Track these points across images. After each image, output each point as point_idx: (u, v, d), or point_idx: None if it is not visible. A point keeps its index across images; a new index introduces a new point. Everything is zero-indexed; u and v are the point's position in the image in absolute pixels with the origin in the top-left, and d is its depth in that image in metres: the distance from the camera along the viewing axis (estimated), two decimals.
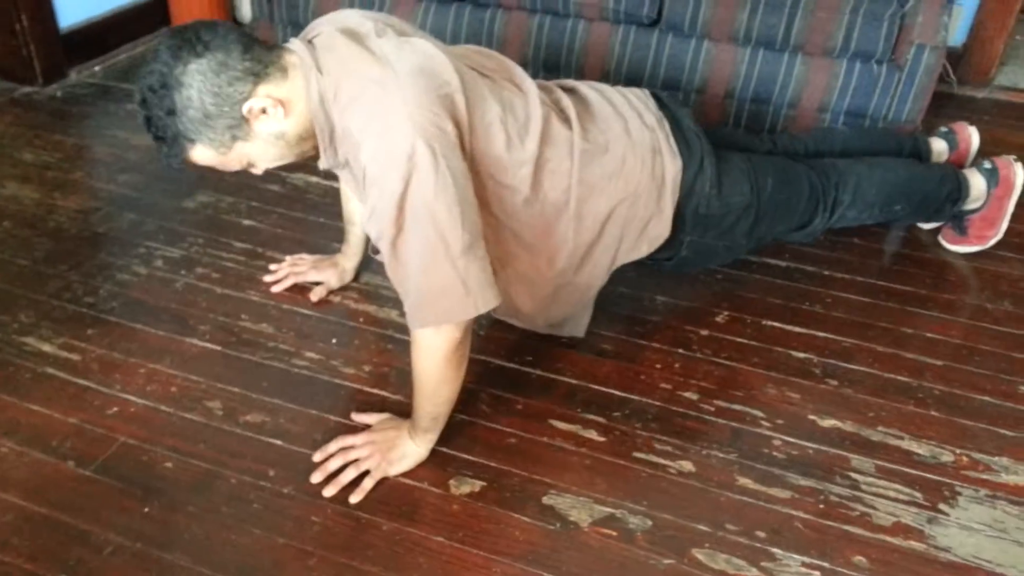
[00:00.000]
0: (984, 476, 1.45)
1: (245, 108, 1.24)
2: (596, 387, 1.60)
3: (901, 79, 2.17)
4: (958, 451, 1.50)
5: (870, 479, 1.44)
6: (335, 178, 1.84)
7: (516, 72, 1.49)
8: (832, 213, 1.77)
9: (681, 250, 1.63)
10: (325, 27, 1.36)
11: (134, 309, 1.77)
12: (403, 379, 1.55)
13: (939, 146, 2.09)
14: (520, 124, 1.39)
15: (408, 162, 1.20)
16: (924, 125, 2.27)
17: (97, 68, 2.88)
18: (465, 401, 1.51)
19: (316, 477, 1.40)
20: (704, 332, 1.75)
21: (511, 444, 1.48)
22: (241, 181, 2.11)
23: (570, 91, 1.60)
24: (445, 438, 1.44)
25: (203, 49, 1.20)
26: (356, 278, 1.85)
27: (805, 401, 1.59)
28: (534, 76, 2.45)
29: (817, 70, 2.22)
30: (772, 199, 1.66)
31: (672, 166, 1.54)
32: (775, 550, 1.31)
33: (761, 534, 1.34)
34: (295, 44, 1.32)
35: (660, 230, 1.55)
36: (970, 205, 1.95)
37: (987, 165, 1.94)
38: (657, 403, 1.58)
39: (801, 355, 1.70)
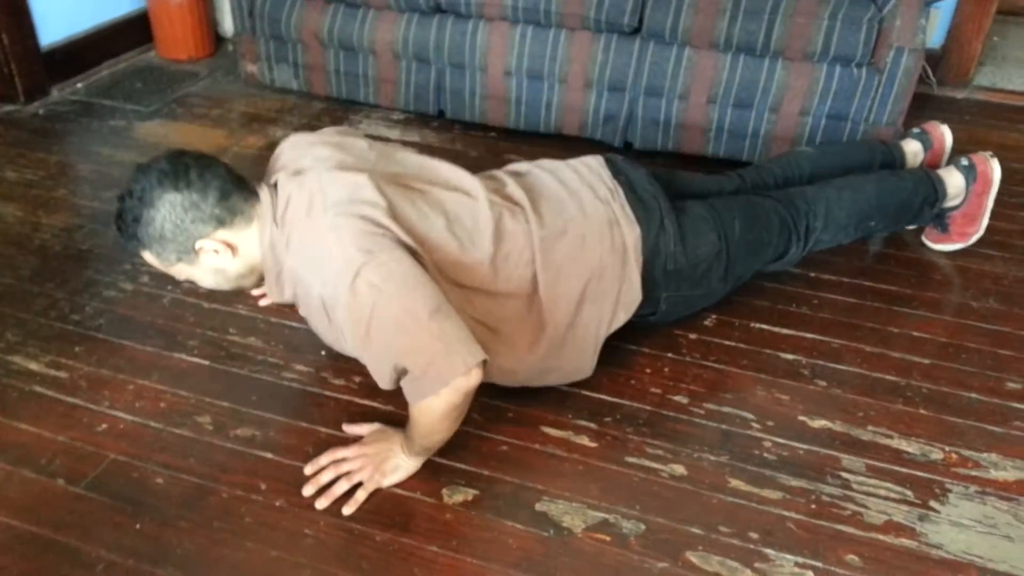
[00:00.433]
0: (973, 473, 1.46)
1: (197, 244, 1.35)
2: (586, 393, 1.60)
3: (881, 82, 2.20)
4: (947, 449, 1.51)
5: (861, 478, 1.45)
6: None
7: (464, 180, 1.51)
8: (806, 241, 1.78)
9: (660, 305, 1.65)
10: (280, 175, 1.42)
11: (121, 326, 1.76)
12: (394, 390, 1.55)
13: (913, 147, 2.10)
14: (469, 230, 1.44)
15: (351, 271, 1.27)
16: (905, 127, 2.29)
17: (79, 85, 2.87)
18: None
19: (308, 490, 1.39)
20: (693, 336, 1.76)
21: (503, 452, 1.48)
22: None
23: (521, 176, 1.62)
24: (438, 448, 1.44)
25: (184, 185, 1.31)
26: None
27: (795, 402, 1.60)
28: (517, 85, 2.48)
29: (798, 75, 2.24)
30: (742, 240, 1.67)
31: (631, 234, 1.55)
32: (768, 551, 1.32)
33: (754, 535, 1.34)
34: (264, 195, 1.40)
35: (632, 296, 1.57)
36: (950, 203, 1.97)
37: (964, 162, 1.96)
38: (648, 407, 1.58)
39: (790, 357, 1.71)
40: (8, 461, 1.44)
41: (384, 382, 1.33)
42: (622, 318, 1.57)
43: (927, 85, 2.88)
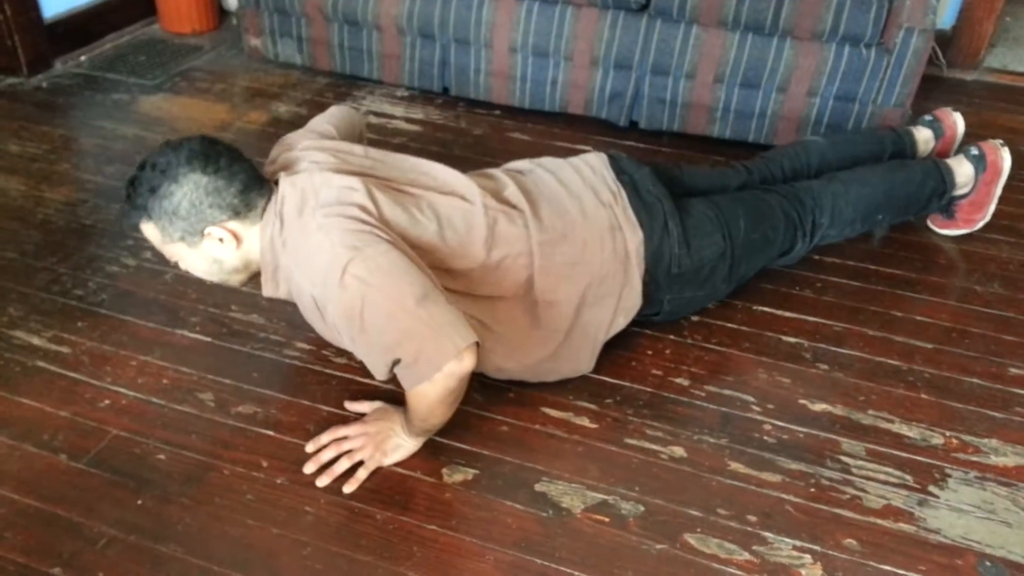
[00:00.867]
0: (974, 458, 1.46)
1: (207, 229, 1.35)
2: (587, 374, 1.60)
3: (890, 63, 2.17)
4: (948, 434, 1.51)
5: (861, 462, 1.45)
6: None
7: (460, 184, 1.50)
8: (812, 237, 1.77)
9: (664, 307, 1.64)
10: (281, 174, 1.42)
11: (123, 301, 1.76)
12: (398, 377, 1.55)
13: (924, 134, 2.08)
14: (461, 235, 1.43)
15: (339, 267, 1.27)
16: (913, 109, 2.27)
17: (83, 58, 2.86)
18: None
19: (309, 467, 1.40)
20: (695, 318, 1.75)
21: (503, 432, 1.49)
22: None
23: (522, 176, 1.60)
24: (438, 429, 1.44)
25: (212, 170, 1.33)
26: None
27: (796, 385, 1.60)
28: (523, 62, 2.46)
29: (806, 54, 2.22)
30: (747, 240, 1.66)
31: (633, 239, 1.54)
32: (766, 534, 1.32)
33: (752, 518, 1.34)
34: (277, 192, 1.40)
35: (633, 301, 1.56)
36: (958, 191, 1.95)
37: (974, 151, 1.93)
38: (648, 389, 1.58)
39: (792, 340, 1.71)
40: (11, 436, 1.45)
41: (379, 374, 1.34)
42: (621, 323, 1.57)
43: (936, 66, 2.84)
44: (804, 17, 2.16)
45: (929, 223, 2.05)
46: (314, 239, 1.32)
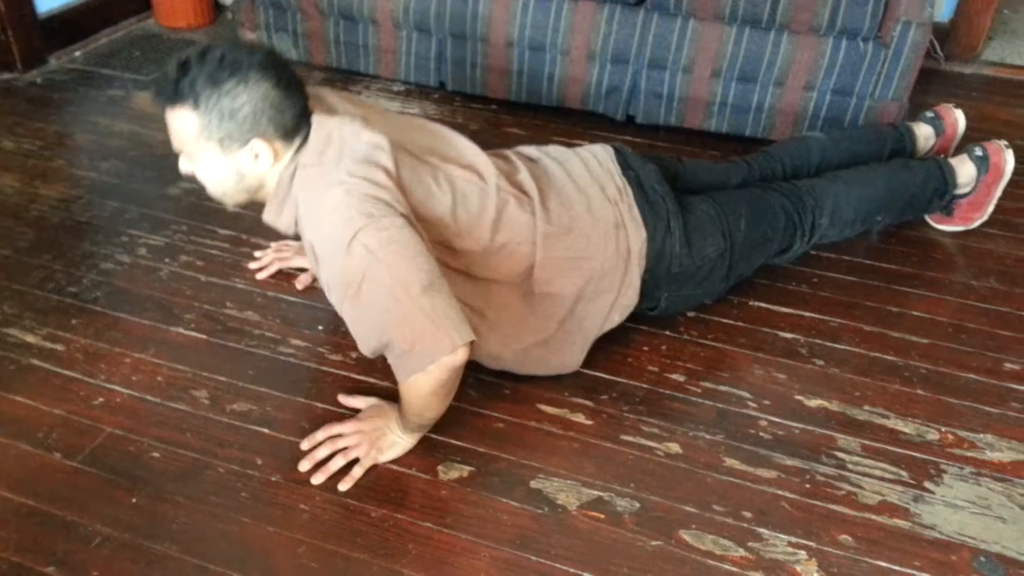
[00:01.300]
0: (969, 454, 1.46)
1: (253, 141, 1.32)
2: (583, 370, 1.59)
3: (887, 56, 2.17)
4: (943, 429, 1.51)
5: (856, 458, 1.45)
6: None
7: (479, 160, 1.49)
8: (811, 236, 1.76)
9: (661, 303, 1.64)
10: (316, 113, 1.39)
11: (118, 298, 1.76)
12: (390, 365, 1.55)
13: (925, 131, 2.07)
14: (472, 214, 1.42)
15: (349, 231, 1.26)
16: (911, 102, 2.26)
17: (77, 54, 2.84)
18: None
19: (304, 465, 1.40)
20: (691, 313, 1.75)
21: (499, 429, 1.48)
22: None
23: (533, 163, 1.59)
24: (433, 424, 1.44)
25: (284, 86, 1.31)
26: None
27: (792, 381, 1.60)
28: (520, 57, 2.45)
29: (803, 48, 2.21)
30: (747, 239, 1.65)
31: (637, 238, 1.54)
32: (762, 530, 1.32)
33: (748, 514, 1.34)
34: (325, 124, 1.37)
35: (630, 299, 1.56)
36: (959, 191, 1.94)
37: (978, 152, 1.92)
38: (644, 385, 1.58)
39: (788, 335, 1.71)
40: (4, 434, 1.45)
41: (365, 349, 1.33)
42: (616, 319, 1.57)
43: (934, 60, 2.84)
44: (801, 11, 2.15)
45: (926, 217, 2.05)
46: (333, 192, 1.30)
